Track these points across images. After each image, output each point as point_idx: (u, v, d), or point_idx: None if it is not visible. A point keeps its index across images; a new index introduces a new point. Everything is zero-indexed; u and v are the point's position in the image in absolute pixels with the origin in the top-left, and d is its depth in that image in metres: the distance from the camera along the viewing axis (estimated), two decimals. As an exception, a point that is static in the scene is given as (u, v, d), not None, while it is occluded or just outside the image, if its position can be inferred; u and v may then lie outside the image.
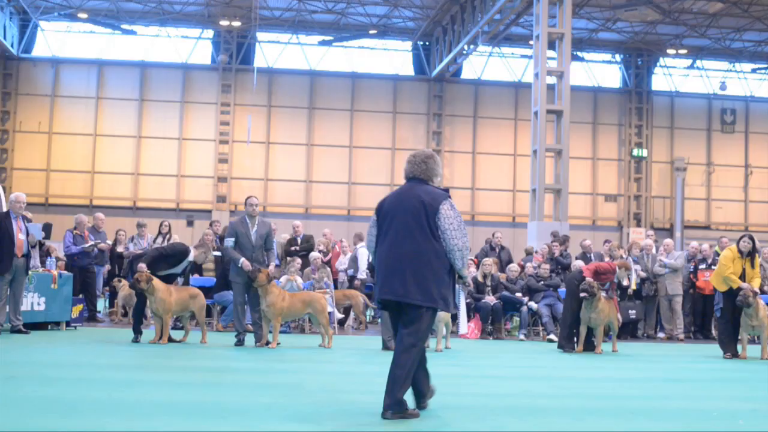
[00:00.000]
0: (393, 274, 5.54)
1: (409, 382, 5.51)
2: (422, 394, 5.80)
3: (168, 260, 11.12)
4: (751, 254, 11.36)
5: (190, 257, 11.23)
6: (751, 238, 11.45)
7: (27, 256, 11.45)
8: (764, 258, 15.08)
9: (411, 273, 5.48)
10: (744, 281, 11.28)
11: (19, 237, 11.29)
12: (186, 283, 11.64)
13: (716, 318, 12.20)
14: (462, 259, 5.57)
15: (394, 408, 5.40)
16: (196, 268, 14.49)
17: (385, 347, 10.83)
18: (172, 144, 32.19)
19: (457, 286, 6.00)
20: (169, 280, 11.17)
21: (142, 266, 10.86)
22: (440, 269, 5.53)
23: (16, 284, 11.30)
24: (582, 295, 11.58)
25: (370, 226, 5.92)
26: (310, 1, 30.57)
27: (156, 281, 10.75)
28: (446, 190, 5.74)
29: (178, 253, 11.23)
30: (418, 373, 5.67)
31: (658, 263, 15.27)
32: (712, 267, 15.24)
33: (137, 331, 10.98)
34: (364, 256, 15.80)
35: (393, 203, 5.72)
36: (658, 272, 15.25)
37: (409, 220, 5.56)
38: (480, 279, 14.37)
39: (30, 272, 11.73)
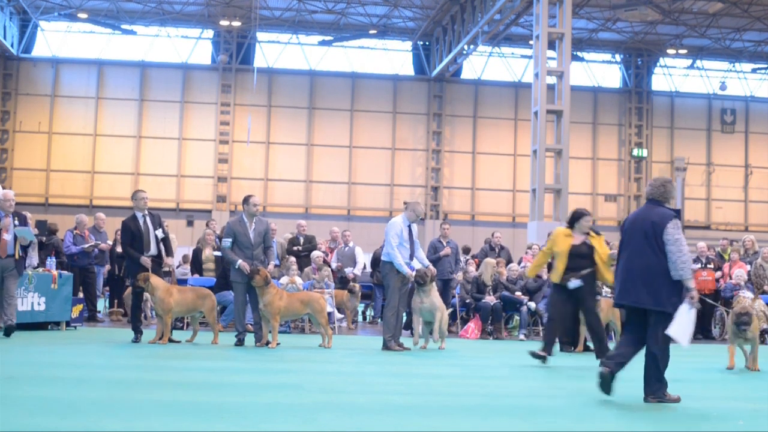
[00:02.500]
0: (630, 283, 6.58)
1: (661, 371, 6.52)
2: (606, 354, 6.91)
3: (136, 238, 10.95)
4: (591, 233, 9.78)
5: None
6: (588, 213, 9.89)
7: (12, 256, 10.83)
8: (764, 258, 15.06)
9: (643, 283, 6.48)
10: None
11: (4, 237, 10.74)
12: (168, 252, 11.26)
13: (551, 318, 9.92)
14: (682, 270, 6.40)
15: (654, 394, 6.46)
16: (196, 267, 14.53)
17: (386, 347, 10.81)
18: (172, 144, 32.18)
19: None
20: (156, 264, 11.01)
21: (146, 260, 10.83)
22: (669, 278, 6.44)
23: (5, 284, 10.78)
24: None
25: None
26: (310, 1, 30.57)
27: (155, 280, 10.71)
28: (677, 212, 6.65)
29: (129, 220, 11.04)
30: (629, 351, 6.70)
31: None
32: (708, 266, 15.23)
33: (137, 331, 10.93)
34: (361, 254, 16.00)
35: (632, 222, 6.76)
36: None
37: (642, 237, 6.56)
38: (481, 279, 14.37)
39: (30, 272, 11.68)
